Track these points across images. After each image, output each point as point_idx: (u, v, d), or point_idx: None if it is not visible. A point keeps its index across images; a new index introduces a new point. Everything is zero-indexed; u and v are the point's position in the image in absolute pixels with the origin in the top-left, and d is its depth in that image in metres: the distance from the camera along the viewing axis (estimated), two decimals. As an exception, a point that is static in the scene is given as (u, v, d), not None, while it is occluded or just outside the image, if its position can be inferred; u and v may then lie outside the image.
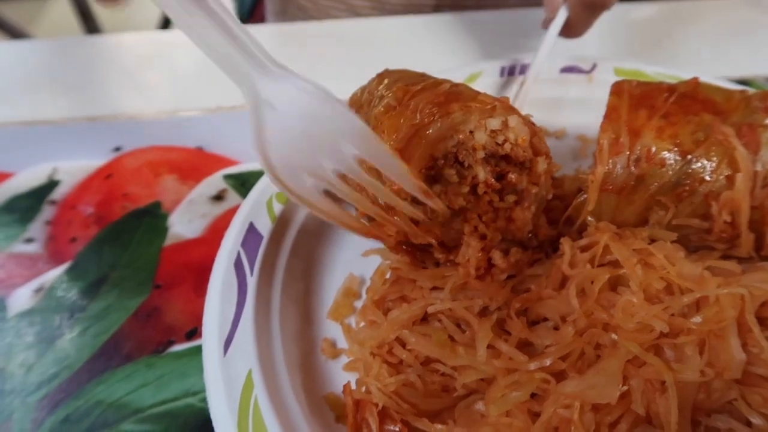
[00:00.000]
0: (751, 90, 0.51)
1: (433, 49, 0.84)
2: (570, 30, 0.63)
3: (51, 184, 0.67)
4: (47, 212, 0.64)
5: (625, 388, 0.40)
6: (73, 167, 0.69)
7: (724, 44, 0.82)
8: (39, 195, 0.66)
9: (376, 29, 0.89)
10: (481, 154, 0.43)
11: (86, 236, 0.62)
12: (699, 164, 0.46)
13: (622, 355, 0.40)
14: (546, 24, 0.63)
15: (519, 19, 0.88)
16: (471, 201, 0.45)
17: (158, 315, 0.55)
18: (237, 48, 0.35)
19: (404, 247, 0.49)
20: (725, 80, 0.65)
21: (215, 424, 0.41)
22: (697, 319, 0.40)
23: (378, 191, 0.41)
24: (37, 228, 0.63)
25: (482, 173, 0.44)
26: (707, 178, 0.46)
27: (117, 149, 0.71)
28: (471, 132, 0.43)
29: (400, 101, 0.45)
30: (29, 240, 0.61)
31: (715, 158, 0.46)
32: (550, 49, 0.63)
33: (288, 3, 1.05)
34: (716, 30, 0.85)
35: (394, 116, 0.45)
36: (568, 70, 0.68)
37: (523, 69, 0.69)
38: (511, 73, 0.69)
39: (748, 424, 0.39)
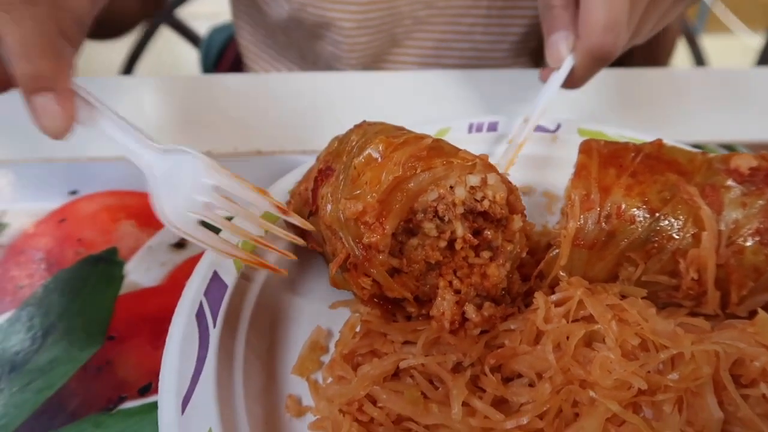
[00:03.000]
0: (710, 153, 0.53)
1: (406, 103, 0.86)
2: (573, 81, 0.61)
3: (-3, 227, 0.63)
4: (-8, 257, 0.60)
5: (606, 448, 0.39)
6: (23, 210, 0.66)
7: (678, 110, 0.87)
8: (-17, 238, 0.62)
9: (354, 82, 0.90)
10: (460, 210, 0.43)
11: (35, 283, 0.58)
12: (666, 222, 0.47)
13: (601, 414, 0.39)
14: (545, 76, 0.62)
15: (490, 79, 0.91)
16: (447, 255, 0.45)
17: (110, 368, 0.51)
18: (130, 139, 0.49)
19: (376, 300, 0.48)
20: (681, 143, 0.67)
21: (171, 490, 0.38)
22: (674, 376, 0.40)
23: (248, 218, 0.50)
24: (-21, 274, 0.58)
25: (460, 228, 0.44)
26: (675, 235, 0.47)
27: (73, 192, 0.68)
28: (451, 187, 0.43)
29: (383, 153, 0.44)
30: (-30, 286, 0.57)
31: (681, 217, 0.47)
32: (551, 100, 0.62)
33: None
34: (670, 96, 0.90)
35: (377, 168, 0.44)
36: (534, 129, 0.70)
37: (491, 126, 0.70)
38: (478, 129, 0.70)
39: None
